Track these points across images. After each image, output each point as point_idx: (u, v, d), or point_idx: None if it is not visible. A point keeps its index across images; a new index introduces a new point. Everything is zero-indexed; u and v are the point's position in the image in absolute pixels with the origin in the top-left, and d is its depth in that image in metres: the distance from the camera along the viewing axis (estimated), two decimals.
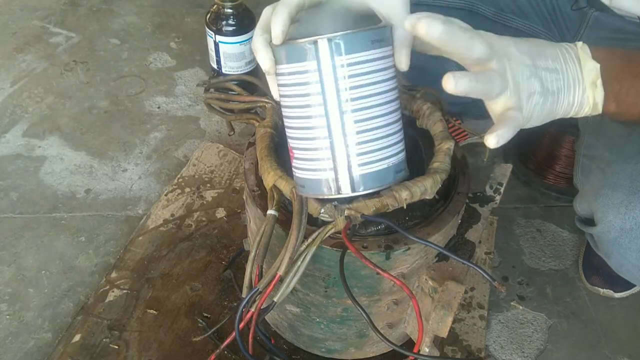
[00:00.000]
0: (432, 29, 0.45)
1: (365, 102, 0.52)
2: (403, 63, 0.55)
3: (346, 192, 0.55)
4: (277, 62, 0.54)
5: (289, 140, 0.58)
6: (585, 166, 0.79)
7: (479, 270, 0.60)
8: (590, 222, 0.73)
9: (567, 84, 0.53)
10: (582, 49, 0.55)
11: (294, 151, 0.57)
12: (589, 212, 0.73)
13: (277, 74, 0.55)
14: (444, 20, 0.46)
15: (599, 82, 0.54)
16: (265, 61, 0.54)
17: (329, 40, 0.50)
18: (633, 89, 0.56)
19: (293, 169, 0.59)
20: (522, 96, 0.50)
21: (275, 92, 0.58)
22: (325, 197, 0.56)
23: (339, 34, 0.50)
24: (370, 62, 0.51)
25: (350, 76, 0.51)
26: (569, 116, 0.56)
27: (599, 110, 0.55)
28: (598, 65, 0.54)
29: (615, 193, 0.66)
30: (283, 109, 0.57)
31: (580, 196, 0.77)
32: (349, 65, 0.50)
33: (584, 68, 0.54)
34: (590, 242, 0.77)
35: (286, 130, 0.58)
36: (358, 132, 0.52)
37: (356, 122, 0.52)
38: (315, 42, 0.50)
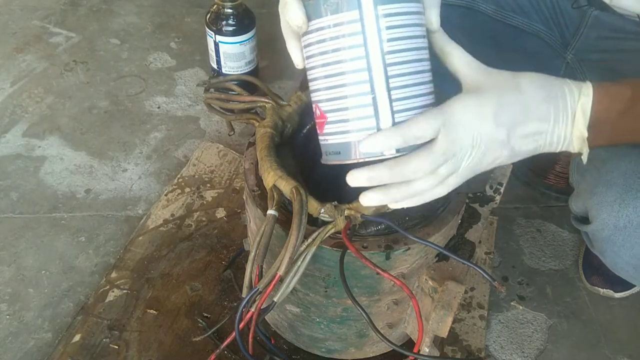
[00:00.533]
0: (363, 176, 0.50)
1: (404, 56, 0.51)
2: (434, 22, 0.55)
3: (391, 150, 0.51)
4: (309, 17, 0.51)
5: (320, 105, 0.54)
6: (580, 164, 0.79)
7: (479, 270, 0.60)
8: (585, 220, 0.73)
9: (550, 141, 0.54)
10: (582, 106, 0.53)
11: (328, 114, 0.53)
12: (584, 210, 0.73)
13: (306, 33, 0.52)
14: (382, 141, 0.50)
15: (586, 139, 0.54)
16: (296, 16, 0.51)
17: None
18: (628, 134, 0.57)
19: (324, 137, 0.55)
20: (477, 168, 0.52)
21: (298, 55, 0.55)
22: (370, 158, 0.52)
23: None
24: (408, 15, 0.50)
25: (390, 27, 0.49)
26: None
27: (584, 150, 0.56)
28: (586, 134, 0.54)
29: (609, 191, 0.66)
30: (313, 71, 0.54)
31: (575, 194, 0.77)
32: (389, 15, 0.49)
33: (575, 127, 0.54)
34: (586, 241, 0.77)
35: (317, 94, 0.54)
36: (399, 87, 0.50)
37: (398, 76, 0.50)
38: None
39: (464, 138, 0.50)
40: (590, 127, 0.54)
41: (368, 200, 0.52)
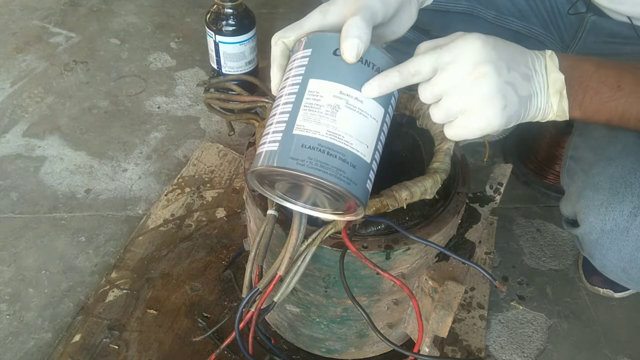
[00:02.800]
0: (369, 92, 0.50)
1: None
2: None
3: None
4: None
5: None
6: (570, 168, 0.79)
7: (480, 270, 0.60)
8: (575, 223, 0.73)
9: (534, 90, 0.55)
10: (550, 57, 0.56)
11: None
12: (573, 213, 0.74)
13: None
14: (379, 78, 0.51)
15: (564, 91, 0.55)
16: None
17: None
18: (597, 96, 0.57)
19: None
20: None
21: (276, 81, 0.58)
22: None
23: None
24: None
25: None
26: (535, 120, 0.58)
27: (567, 116, 0.57)
28: (562, 77, 0.55)
29: (596, 194, 0.67)
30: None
31: (565, 197, 0.78)
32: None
33: (549, 77, 0.55)
34: (577, 243, 0.77)
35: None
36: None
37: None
38: None
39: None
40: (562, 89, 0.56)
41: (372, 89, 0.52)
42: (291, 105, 0.50)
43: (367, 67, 0.51)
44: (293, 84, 0.51)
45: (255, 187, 0.55)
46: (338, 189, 0.48)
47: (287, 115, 0.50)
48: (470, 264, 0.62)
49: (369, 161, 0.50)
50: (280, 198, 0.56)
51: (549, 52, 0.57)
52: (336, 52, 0.50)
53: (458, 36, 0.53)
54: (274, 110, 0.52)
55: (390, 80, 0.50)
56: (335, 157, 0.48)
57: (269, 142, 0.50)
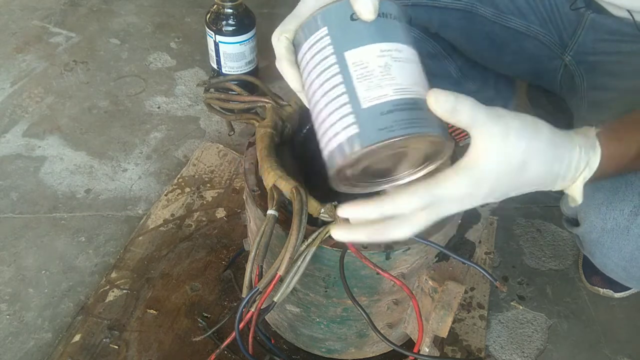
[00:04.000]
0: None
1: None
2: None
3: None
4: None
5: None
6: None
7: (480, 269, 0.60)
8: (576, 222, 0.73)
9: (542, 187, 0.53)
10: (583, 177, 0.53)
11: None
12: (573, 212, 0.74)
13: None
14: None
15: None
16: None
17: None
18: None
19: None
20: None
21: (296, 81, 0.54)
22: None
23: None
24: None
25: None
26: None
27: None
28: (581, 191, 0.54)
29: (596, 193, 0.67)
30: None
31: (566, 196, 0.78)
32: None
33: (571, 188, 0.54)
34: (577, 243, 0.77)
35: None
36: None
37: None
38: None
39: (451, 209, 0.48)
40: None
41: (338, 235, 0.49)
42: (342, 86, 0.48)
43: (387, 18, 0.49)
44: (327, 68, 0.49)
45: (338, 187, 0.52)
46: (434, 135, 0.47)
47: (344, 96, 0.47)
48: (470, 264, 0.62)
49: None
50: (368, 185, 0.53)
51: (592, 161, 0.52)
52: (353, 17, 0.48)
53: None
54: (317, 105, 0.50)
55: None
56: (413, 109, 0.47)
57: (340, 132, 0.47)
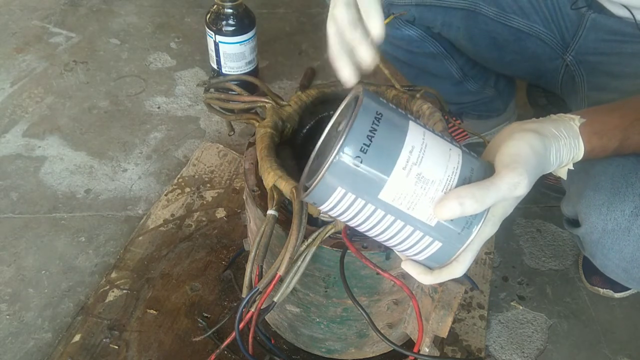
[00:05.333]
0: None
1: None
2: None
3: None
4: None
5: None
6: (570, 169, 0.79)
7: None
8: (576, 223, 0.73)
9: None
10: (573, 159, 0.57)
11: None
12: (574, 213, 0.74)
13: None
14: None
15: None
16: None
17: None
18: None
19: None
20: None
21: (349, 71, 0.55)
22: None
23: None
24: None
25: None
26: None
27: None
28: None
29: (597, 194, 0.67)
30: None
31: (566, 198, 0.78)
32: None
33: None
34: (578, 243, 0.77)
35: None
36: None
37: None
38: None
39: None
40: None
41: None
42: (399, 222, 0.47)
43: (378, 125, 0.45)
44: (371, 215, 0.47)
45: None
46: None
47: (408, 227, 0.47)
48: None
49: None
50: None
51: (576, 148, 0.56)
52: (356, 163, 0.44)
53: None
54: (379, 237, 0.49)
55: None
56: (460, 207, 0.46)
57: (423, 250, 0.49)
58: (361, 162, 0.44)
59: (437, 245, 0.48)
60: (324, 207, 0.48)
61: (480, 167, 0.48)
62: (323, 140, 0.53)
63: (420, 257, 0.50)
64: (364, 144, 0.44)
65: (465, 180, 0.47)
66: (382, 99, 0.48)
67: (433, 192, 0.46)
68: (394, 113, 0.47)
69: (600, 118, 0.58)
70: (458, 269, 0.50)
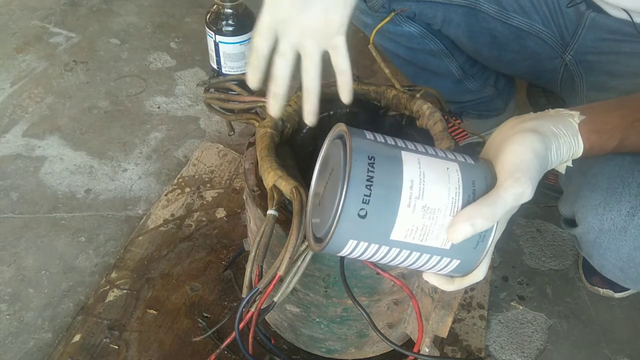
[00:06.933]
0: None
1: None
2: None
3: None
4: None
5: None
6: (568, 167, 0.79)
7: None
8: (573, 223, 0.74)
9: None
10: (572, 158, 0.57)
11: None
12: (571, 213, 0.74)
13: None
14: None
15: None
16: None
17: None
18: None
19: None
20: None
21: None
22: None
23: None
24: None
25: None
26: None
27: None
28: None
29: (593, 194, 0.67)
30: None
31: (564, 197, 0.78)
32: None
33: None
34: (575, 243, 0.77)
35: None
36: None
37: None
38: None
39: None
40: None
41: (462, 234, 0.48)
42: (415, 254, 0.48)
43: (374, 177, 0.45)
44: (386, 254, 0.48)
45: None
46: None
47: (424, 256, 0.48)
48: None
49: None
50: None
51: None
52: (360, 214, 0.44)
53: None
54: (394, 264, 0.50)
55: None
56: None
57: (443, 269, 0.50)
58: (366, 214, 0.45)
59: (455, 263, 0.49)
60: (340, 254, 0.49)
61: (480, 176, 0.49)
62: (316, 182, 0.54)
63: (443, 273, 0.52)
64: (365, 195, 0.44)
65: (469, 197, 0.47)
66: (368, 135, 0.48)
67: (442, 219, 0.46)
68: (384, 149, 0.47)
69: (600, 117, 0.58)
70: (478, 275, 0.53)
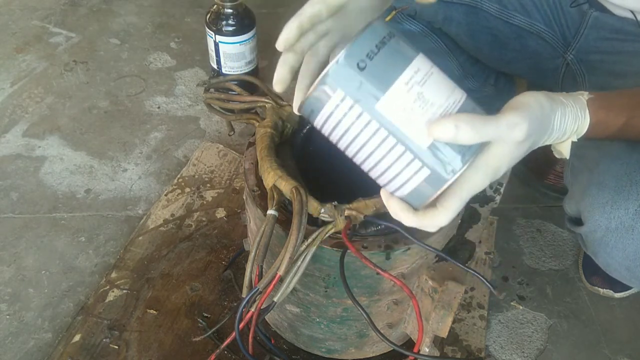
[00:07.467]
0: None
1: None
2: None
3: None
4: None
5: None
6: (574, 165, 0.79)
7: (477, 275, 0.61)
8: (579, 222, 0.73)
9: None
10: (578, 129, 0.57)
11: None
12: (577, 212, 0.74)
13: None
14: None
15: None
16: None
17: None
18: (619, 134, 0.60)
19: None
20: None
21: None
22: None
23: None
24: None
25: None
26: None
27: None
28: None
29: (601, 192, 0.66)
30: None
31: (569, 196, 0.77)
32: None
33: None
34: (580, 242, 0.77)
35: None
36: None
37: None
38: None
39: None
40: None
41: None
42: (391, 138, 0.46)
43: (387, 43, 0.46)
44: (365, 126, 0.46)
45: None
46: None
47: (399, 146, 0.46)
48: (468, 270, 0.62)
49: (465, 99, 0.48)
50: None
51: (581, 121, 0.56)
52: (360, 65, 0.45)
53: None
54: (368, 160, 0.48)
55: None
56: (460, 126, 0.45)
57: (411, 177, 0.47)
58: (365, 68, 0.45)
59: (424, 173, 0.47)
60: (318, 119, 0.48)
61: (481, 112, 0.48)
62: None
63: (405, 191, 0.49)
64: (371, 50, 0.45)
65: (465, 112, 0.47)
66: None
67: (431, 114, 0.45)
68: (408, 41, 0.47)
69: (609, 97, 0.58)
70: (443, 214, 0.48)
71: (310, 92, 0.46)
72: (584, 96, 0.56)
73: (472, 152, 0.47)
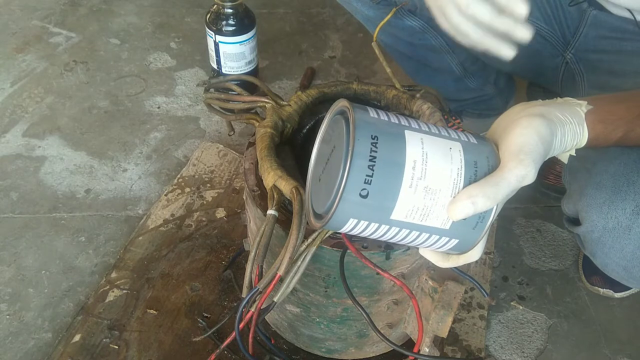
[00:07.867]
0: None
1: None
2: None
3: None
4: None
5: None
6: (572, 165, 0.79)
7: (473, 282, 0.61)
8: (577, 222, 0.73)
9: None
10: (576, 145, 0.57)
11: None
12: (575, 212, 0.74)
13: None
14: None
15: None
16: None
17: None
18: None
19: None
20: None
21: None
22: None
23: None
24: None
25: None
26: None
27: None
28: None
29: (598, 193, 0.67)
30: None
31: (567, 196, 0.78)
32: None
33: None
34: (578, 242, 0.77)
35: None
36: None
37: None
38: None
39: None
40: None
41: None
42: (414, 233, 0.48)
43: (377, 158, 0.45)
44: (386, 232, 0.48)
45: None
46: None
47: (423, 235, 0.48)
48: (460, 273, 0.63)
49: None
50: None
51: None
52: (362, 194, 0.44)
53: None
54: (395, 239, 0.49)
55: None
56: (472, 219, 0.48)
57: (442, 247, 0.50)
58: (368, 194, 0.44)
59: (453, 242, 0.49)
60: (340, 231, 0.49)
61: (483, 157, 0.48)
62: (316, 157, 0.53)
63: (439, 250, 0.52)
64: (367, 175, 0.44)
65: (471, 177, 0.47)
66: (371, 112, 0.47)
67: (443, 199, 0.46)
68: (388, 128, 0.46)
69: (607, 107, 0.58)
70: (474, 255, 0.52)
71: (323, 226, 0.47)
72: (581, 108, 0.56)
73: (491, 210, 0.49)
